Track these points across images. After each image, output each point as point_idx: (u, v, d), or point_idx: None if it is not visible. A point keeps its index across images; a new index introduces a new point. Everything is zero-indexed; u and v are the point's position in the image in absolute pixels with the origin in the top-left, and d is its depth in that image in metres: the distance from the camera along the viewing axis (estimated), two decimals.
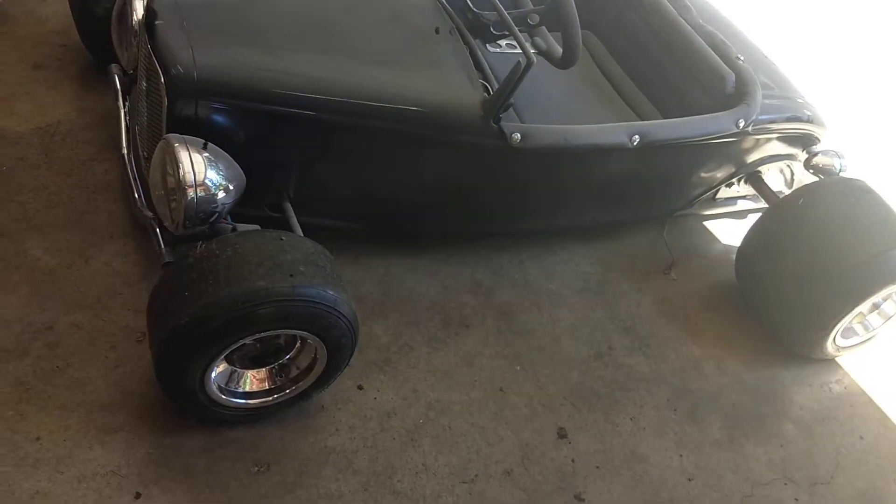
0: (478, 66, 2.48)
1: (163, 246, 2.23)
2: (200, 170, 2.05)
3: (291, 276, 1.92)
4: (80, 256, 2.41)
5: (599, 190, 2.85)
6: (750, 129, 2.81)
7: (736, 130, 2.77)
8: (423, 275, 2.78)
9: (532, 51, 2.26)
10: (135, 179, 2.45)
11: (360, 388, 2.37)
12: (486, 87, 2.44)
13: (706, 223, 3.44)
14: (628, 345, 2.82)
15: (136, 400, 2.14)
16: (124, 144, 2.53)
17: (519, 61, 2.23)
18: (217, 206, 2.10)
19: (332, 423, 2.27)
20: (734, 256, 3.18)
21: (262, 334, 1.96)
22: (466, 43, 2.52)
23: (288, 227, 2.35)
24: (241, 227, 2.19)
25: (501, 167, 2.54)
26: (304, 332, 1.99)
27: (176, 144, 2.06)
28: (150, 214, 2.33)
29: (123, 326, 2.28)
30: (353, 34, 2.43)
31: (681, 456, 2.55)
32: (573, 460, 2.42)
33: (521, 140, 2.40)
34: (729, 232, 3.41)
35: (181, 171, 2.02)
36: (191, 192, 2.03)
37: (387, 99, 2.32)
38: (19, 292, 2.26)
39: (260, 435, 2.18)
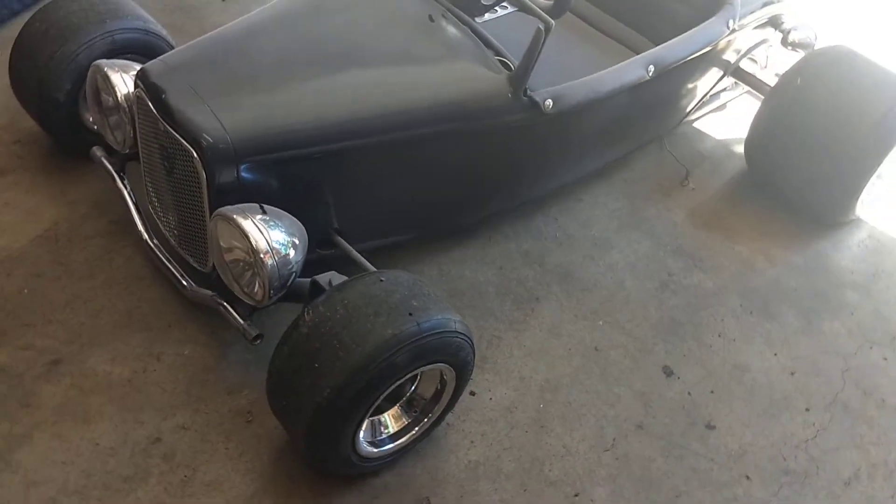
0: (486, 43, 2.41)
1: (243, 321, 2.14)
2: (268, 235, 1.96)
3: (410, 314, 1.86)
4: (149, 357, 2.28)
5: (615, 128, 2.86)
6: (737, 26, 2.85)
7: (728, 31, 2.80)
8: (475, 263, 2.75)
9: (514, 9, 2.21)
10: (169, 261, 2.32)
11: (472, 394, 2.34)
12: (504, 62, 2.38)
13: (695, 125, 3.49)
14: (683, 266, 2.88)
15: (277, 481, 2.06)
16: (142, 229, 2.38)
17: (538, 28, 2.18)
18: (293, 266, 2.01)
19: (465, 437, 2.25)
20: (737, 148, 3.27)
21: (402, 379, 1.90)
22: (465, 23, 2.44)
23: (344, 261, 2.28)
24: (319, 277, 2.10)
25: (533, 135, 2.50)
26: (438, 364, 1.95)
27: (237, 217, 1.95)
28: (209, 293, 2.21)
29: (227, 412, 2.18)
30: (355, 48, 2.32)
31: (775, 354, 2.64)
32: (689, 393, 2.47)
33: (553, 105, 2.36)
34: (719, 126, 3.47)
35: (252, 242, 1.92)
36: (268, 260, 1.94)
37: (415, 105, 2.24)
38: (108, 414, 2.13)
39: (404, 474, 2.14)
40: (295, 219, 2.09)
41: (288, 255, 1.98)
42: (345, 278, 2.04)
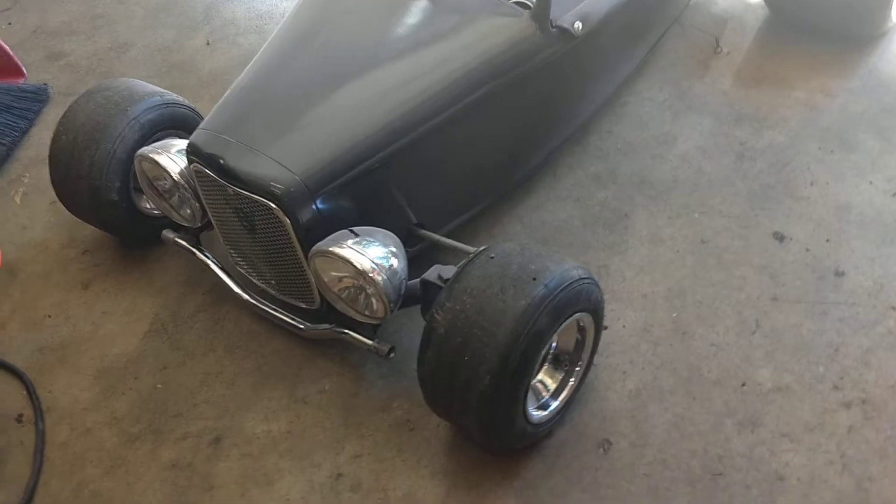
0: None
1: (371, 340, 2.17)
2: (368, 254, 1.98)
3: (534, 279, 1.87)
4: (295, 403, 2.33)
5: (640, 24, 2.82)
6: None
7: None
8: (551, 204, 2.74)
9: None
10: (276, 310, 2.36)
11: (605, 328, 2.36)
12: (521, 3, 2.34)
13: None
14: (751, 130, 2.84)
15: (463, 474, 2.11)
16: (239, 290, 2.41)
17: None
18: (400, 274, 2.03)
19: (616, 371, 2.27)
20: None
21: (552, 340, 1.92)
22: None
23: (430, 251, 2.31)
24: (427, 276, 2.12)
25: (570, 61, 2.47)
26: (575, 315, 1.96)
27: (333, 249, 1.97)
28: (326, 326, 2.25)
29: (388, 428, 2.23)
30: (376, 47, 2.30)
31: (870, 183, 2.61)
32: (807, 249, 2.46)
33: (582, 26, 2.33)
34: None
35: (357, 266, 1.95)
36: (377, 277, 1.96)
37: (452, 79, 2.22)
38: (285, 469, 2.19)
39: (575, 426, 2.17)
40: (384, 229, 2.11)
41: (392, 265, 2.00)
42: (451, 268, 2.06)
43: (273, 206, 2.03)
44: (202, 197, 2.28)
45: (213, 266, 2.48)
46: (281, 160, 2.04)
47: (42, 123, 3.42)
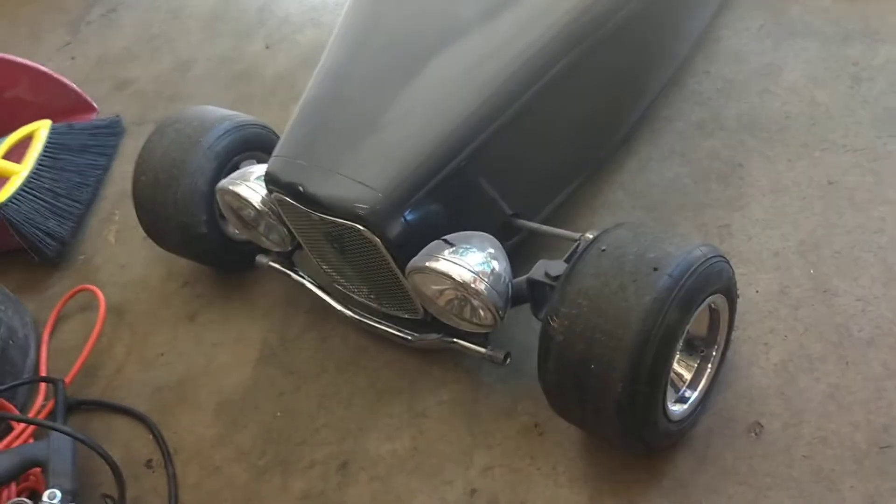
0: None
1: (484, 348, 2.06)
2: (466, 263, 1.84)
3: (655, 269, 1.69)
4: (416, 418, 2.25)
5: None
6: None
7: None
8: (655, 164, 2.54)
9: None
10: (381, 323, 2.26)
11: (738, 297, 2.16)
12: None
13: None
14: (863, 47, 2.57)
15: (606, 477, 1.98)
16: (341, 307, 2.33)
17: None
18: (504, 277, 1.89)
19: (756, 344, 2.08)
20: None
21: (685, 332, 1.75)
22: None
23: (535, 238, 2.19)
24: (532, 274, 1.97)
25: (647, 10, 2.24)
26: (708, 299, 1.78)
27: (430, 264, 1.86)
28: (435, 335, 2.15)
29: (516, 434, 2.13)
30: (439, 34, 2.13)
31: None
32: None
33: None
34: None
35: (457, 278, 1.82)
36: (481, 286, 1.82)
37: (533, 51, 2.04)
38: (416, 489, 2.12)
39: (721, 411, 2.01)
40: (480, 232, 1.97)
41: (494, 268, 1.87)
42: (559, 263, 1.91)
43: (361, 227, 1.93)
44: (288, 223, 2.19)
45: (310, 286, 2.41)
46: (360, 178, 1.93)
47: (122, 157, 3.42)
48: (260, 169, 2.27)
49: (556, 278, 1.90)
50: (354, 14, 2.28)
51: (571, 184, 2.39)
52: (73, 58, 4.07)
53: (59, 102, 3.49)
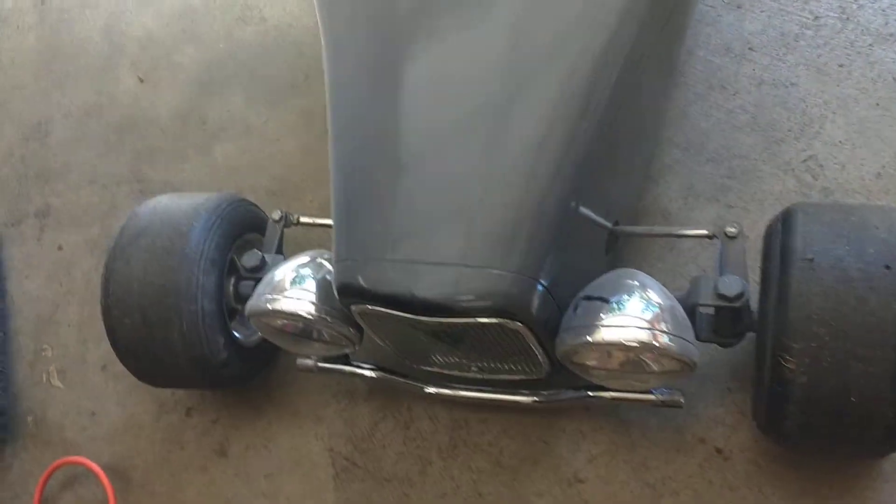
0: None
1: (652, 394, 1.74)
2: (632, 320, 1.50)
3: (888, 267, 1.44)
4: (573, 487, 1.93)
5: None
6: None
7: None
8: (694, 107, 2.24)
9: None
10: (487, 391, 1.89)
11: None
12: None
13: None
14: None
15: (826, 485, 1.77)
16: (434, 389, 1.92)
17: None
18: (677, 310, 1.56)
19: None
20: None
21: None
22: None
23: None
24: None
25: None
26: None
27: (593, 339, 1.50)
28: (575, 393, 1.81)
29: (710, 460, 1.86)
30: (492, 60, 1.66)
31: None
32: None
33: None
34: None
35: (633, 343, 1.48)
36: (664, 339, 1.49)
37: (604, 47, 1.62)
38: None
39: None
40: (614, 271, 1.63)
41: (663, 308, 1.53)
42: (734, 279, 1.63)
43: (498, 320, 1.51)
44: (367, 328, 1.72)
45: (376, 374, 1.96)
46: (478, 262, 1.49)
47: (13, 272, 2.69)
48: (286, 269, 1.79)
49: (737, 297, 1.60)
50: (365, 57, 1.74)
51: (647, 169, 2.06)
52: None
53: None
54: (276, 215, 2.11)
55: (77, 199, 2.70)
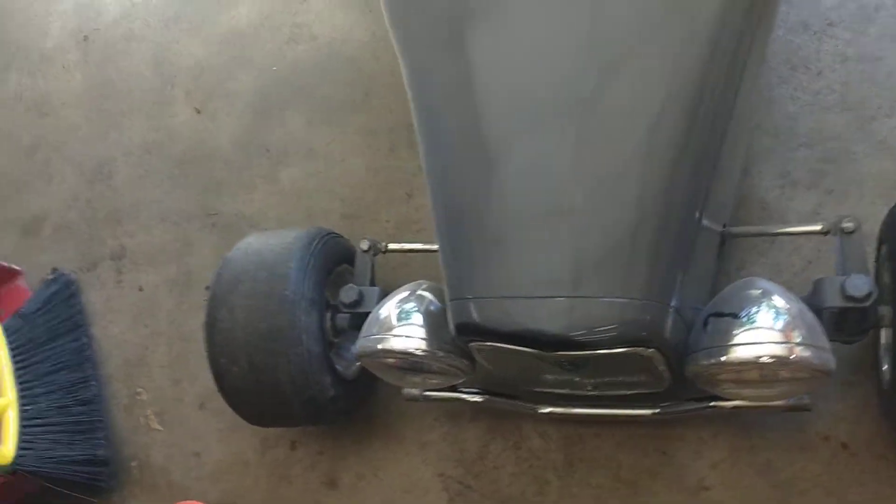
0: None
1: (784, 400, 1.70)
2: (766, 335, 1.45)
3: None
4: (699, 496, 1.91)
5: None
6: None
7: None
8: (778, 91, 2.16)
9: None
10: (601, 406, 1.87)
11: None
12: None
13: None
14: None
15: None
16: (549, 409, 1.90)
17: None
18: (810, 317, 1.51)
19: None
20: None
21: None
22: None
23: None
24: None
25: None
26: None
27: (727, 358, 1.45)
28: (697, 405, 1.77)
29: (835, 456, 1.83)
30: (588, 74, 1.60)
31: None
32: None
33: None
34: None
35: (769, 360, 1.43)
36: (802, 352, 1.44)
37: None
38: None
39: None
40: (737, 283, 1.59)
41: (795, 316, 1.48)
42: (861, 279, 1.58)
43: (631, 349, 1.47)
44: (480, 360, 1.70)
45: (494, 400, 1.94)
46: (610, 292, 1.45)
47: (96, 317, 2.70)
48: (390, 306, 1.78)
49: (865, 298, 1.55)
50: (451, 79, 1.69)
51: (745, 162, 2.01)
52: None
53: None
54: (364, 245, 2.09)
55: (150, 238, 2.69)
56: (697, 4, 1.53)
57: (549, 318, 1.48)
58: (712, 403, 1.76)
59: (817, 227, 1.75)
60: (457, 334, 1.60)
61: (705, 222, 1.61)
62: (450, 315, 1.60)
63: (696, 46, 1.52)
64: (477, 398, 1.96)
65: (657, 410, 1.83)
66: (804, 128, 2.09)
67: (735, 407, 1.74)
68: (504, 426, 2.09)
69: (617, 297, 1.45)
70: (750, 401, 1.72)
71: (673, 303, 1.49)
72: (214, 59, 2.89)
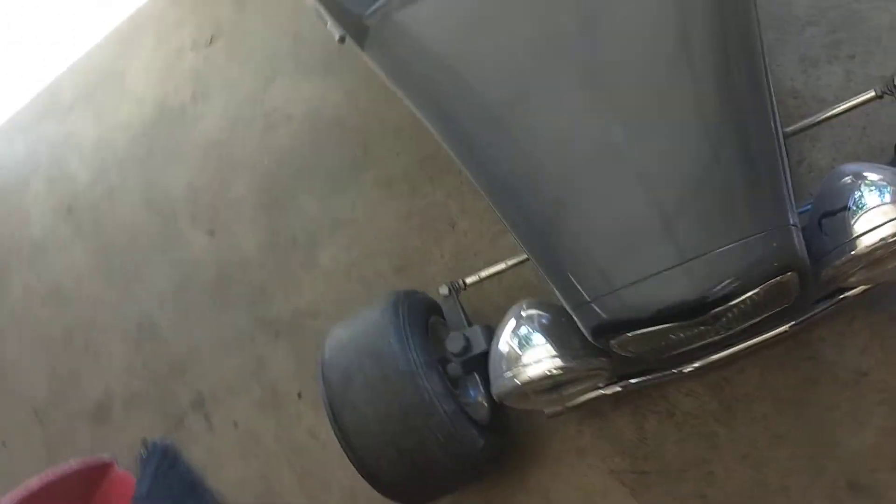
0: None
1: None
2: (872, 205, 1.48)
3: None
4: (853, 380, 1.88)
5: None
6: None
7: None
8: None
9: None
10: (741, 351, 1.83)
11: None
12: None
13: None
14: None
15: None
16: (697, 363, 1.86)
17: None
18: None
19: None
20: None
21: None
22: None
23: None
24: None
25: None
26: None
27: (867, 245, 1.46)
28: (830, 302, 1.75)
29: None
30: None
31: None
32: None
33: None
34: None
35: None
36: None
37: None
38: None
39: None
40: (834, 171, 1.59)
41: None
42: None
43: (771, 283, 1.46)
44: (625, 352, 1.67)
45: (634, 383, 1.91)
46: (737, 236, 1.45)
47: (208, 470, 2.63)
48: (504, 340, 1.74)
49: None
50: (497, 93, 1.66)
51: None
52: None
53: (78, 490, 2.62)
54: (444, 291, 2.06)
55: (221, 371, 2.65)
56: None
57: (684, 285, 1.46)
58: (842, 296, 1.74)
59: (870, 94, 1.73)
60: (595, 337, 1.57)
61: (777, 129, 1.59)
62: (579, 322, 1.58)
63: None
64: (617, 388, 1.93)
65: (794, 322, 1.80)
66: (800, 9, 2.07)
67: (864, 290, 1.72)
68: (649, 401, 2.06)
69: (740, 240, 1.44)
70: (878, 280, 1.70)
71: (791, 220, 1.47)
72: (204, 177, 2.84)
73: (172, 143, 2.91)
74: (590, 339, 1.58)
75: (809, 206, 1.67)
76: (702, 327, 1.64)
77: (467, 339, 1.95)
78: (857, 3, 2.01)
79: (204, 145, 2.85)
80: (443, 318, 2.09)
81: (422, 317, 2.03)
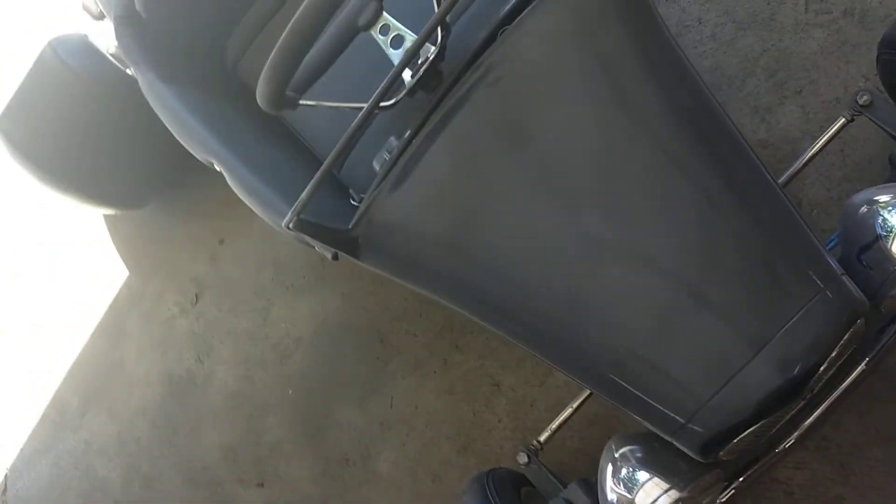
0: None
1: None
2: None
3: None
4: None
5: None
6: None
7: None
8: None
9: None
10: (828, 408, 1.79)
11: None
12: None
13: None
14: None
15: None
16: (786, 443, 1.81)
17: None
18: None
19: None
20: None
21: None
22: None
23: None
24: None
25: None
26: None
27: None
28: None
29: None
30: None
31: None
32: None
33: None
34: None
35: None
36: None
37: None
38: None
39: None
40: (848, 203, 1.60)
41: None
42: None
43: (848, 335, 1.44)
44: (733, 456, 1.61)
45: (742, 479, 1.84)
46: (798, 304, 1.43)
47: None
48: (606, 490, 1.66)
49: None
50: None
51: None
52: None
53: None
54: (522, 459, 2.00)
55: None
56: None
57: (769, 373, 1.42)
58: None
59: (841, 122, 1.78)
60: (705, 455, 1.51)
61: (777, 186, 1.61)
62: (683, 446, 1.53)
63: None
64: (731, 491, 1.85)
65: (868, 359, 1.77)
66: (731, 68, 2.17)
67: None
68: (763, 490, 1.98)
69: (800, 310, 1.42)
70: None
71: (838, 270, 1.47)
72: (235, 432, 2.78)
73: (193, 412, 2.86)
74: (699, 458, 1.52)
75: (834, 242, 1.67)
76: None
77: (569, 502, 1.87)
78: (781, 42, 2.11)
79: (224, 401, 2.80)
80: (532, 485, 2.01)
81: (511, 491, 1.95)
